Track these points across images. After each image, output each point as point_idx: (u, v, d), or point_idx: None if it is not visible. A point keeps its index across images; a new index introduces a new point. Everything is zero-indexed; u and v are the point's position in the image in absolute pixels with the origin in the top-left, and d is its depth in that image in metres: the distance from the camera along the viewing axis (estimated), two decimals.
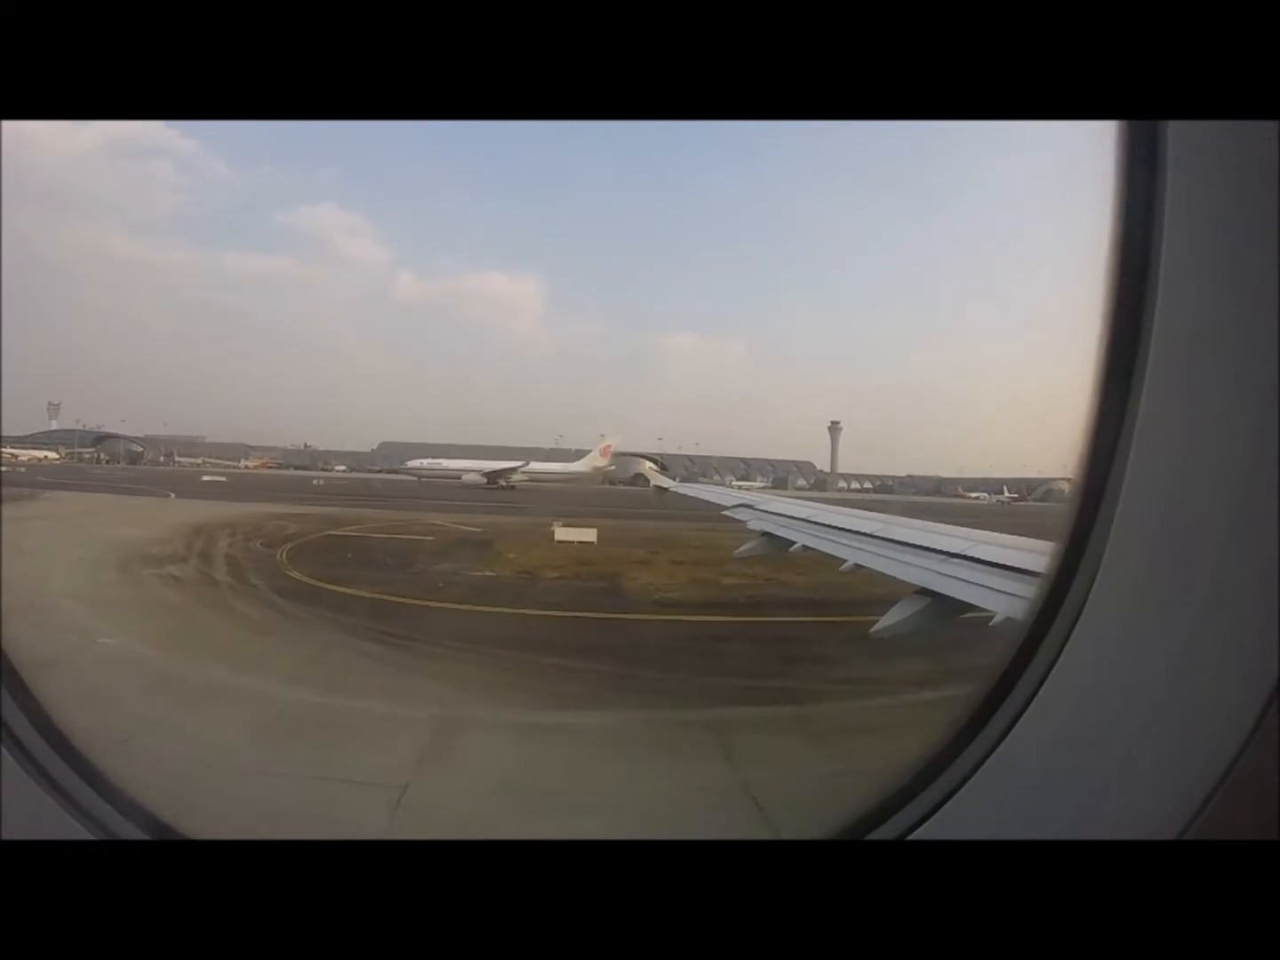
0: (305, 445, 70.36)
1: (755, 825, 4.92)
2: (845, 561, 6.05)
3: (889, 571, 5.19)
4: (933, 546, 5.01)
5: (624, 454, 58.44)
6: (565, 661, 9.09)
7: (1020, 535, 4.79)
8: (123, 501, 27.31)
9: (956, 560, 4.53)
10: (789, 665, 9.29)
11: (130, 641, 9.06)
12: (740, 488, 32.43)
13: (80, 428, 64.34)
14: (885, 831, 1.34)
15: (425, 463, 49.59)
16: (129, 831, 1.41)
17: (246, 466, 62.47)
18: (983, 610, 3.79)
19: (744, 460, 69.88)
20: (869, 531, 6.35)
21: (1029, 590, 3.12)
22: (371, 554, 17.45)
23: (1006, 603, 3.53)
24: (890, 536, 5.90)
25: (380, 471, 57.58)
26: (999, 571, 4.01)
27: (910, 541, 5.42)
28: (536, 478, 48.22)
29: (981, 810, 1.27)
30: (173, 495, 30.97)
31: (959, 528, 5.80)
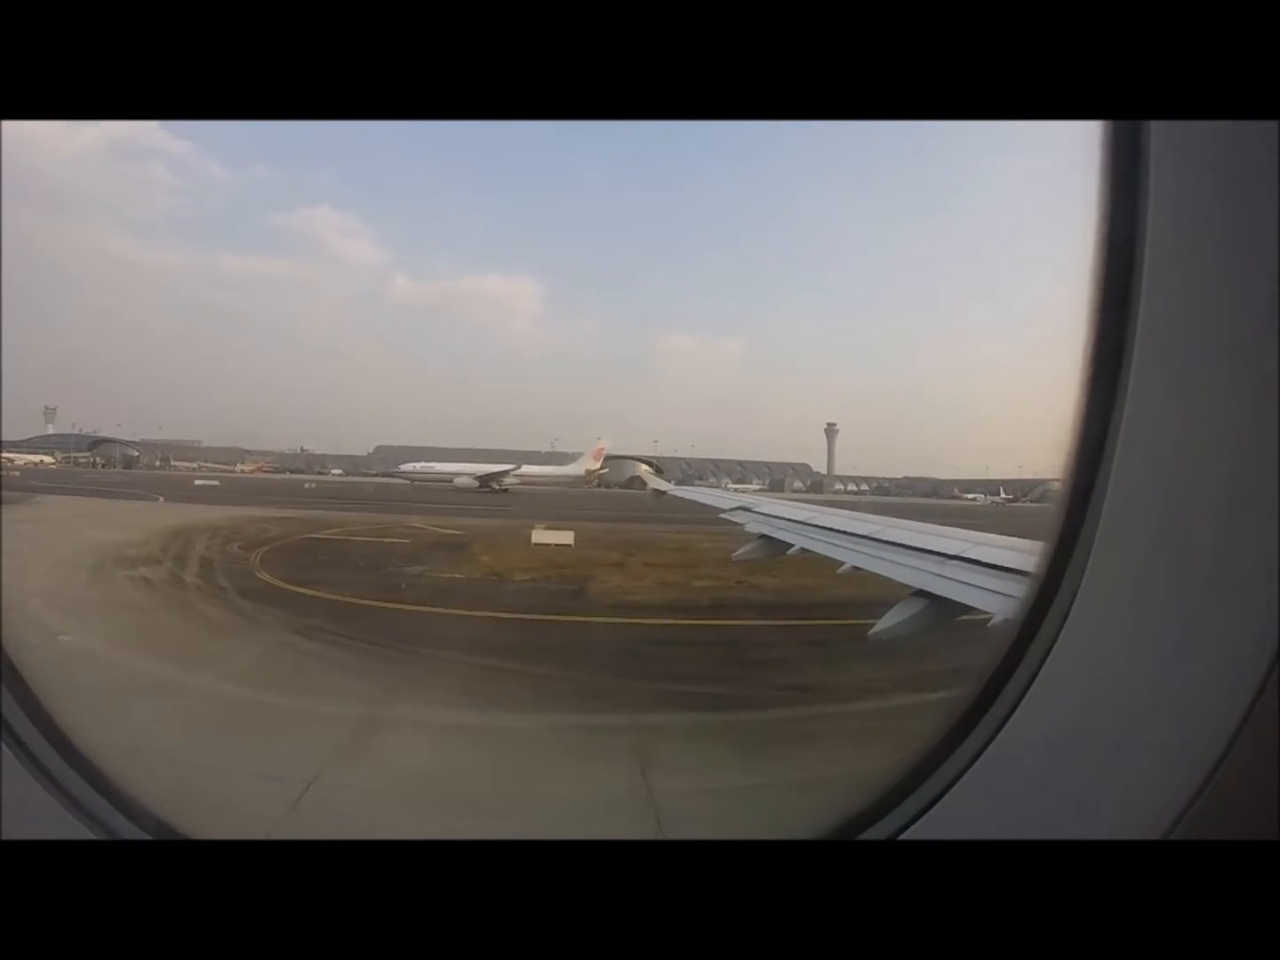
0: (302, 449, 70.39)
1: (647, 830, 4.93)
2: (843, 564, 6.06)
3: (886, 573, 5.19)
4: (930, 548, 5.01)
5: (619, 457, 58.52)
6: (505, 664, 9.14)
7: (1012, 536, 4.81)
8: (111, 505, 27.43)
9: (954, 562, 4.53)
10: (735, 669, 9.29)
11: (88, 638, 9.16)
12: (736, 490, 32.47)
13: (76, 432, 64.26)
14: (877, 831, 1.34)
15: (418, 466, 49.68)
16: (130, 831, 1.41)
17: (242, 471, 62.35)
18: (980, 611, 3.80)
19: (740, 463, 70.00)
20: (866, 534, 6.36)
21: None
22: (345, 557, 17.55)
23: (1004, 604, 3.54)
24: (887, 538, 5.91)
25: (376, 475, 57.50)
26: (996, 573, 4.01)
27: (907, 543, 5.42)
28: (529, 481, 48.30)
29: (972, 810, 1.27)
30: (161, 499, 31.08)
31: (956, 529, 5.82)
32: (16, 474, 40.78)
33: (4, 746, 1.33)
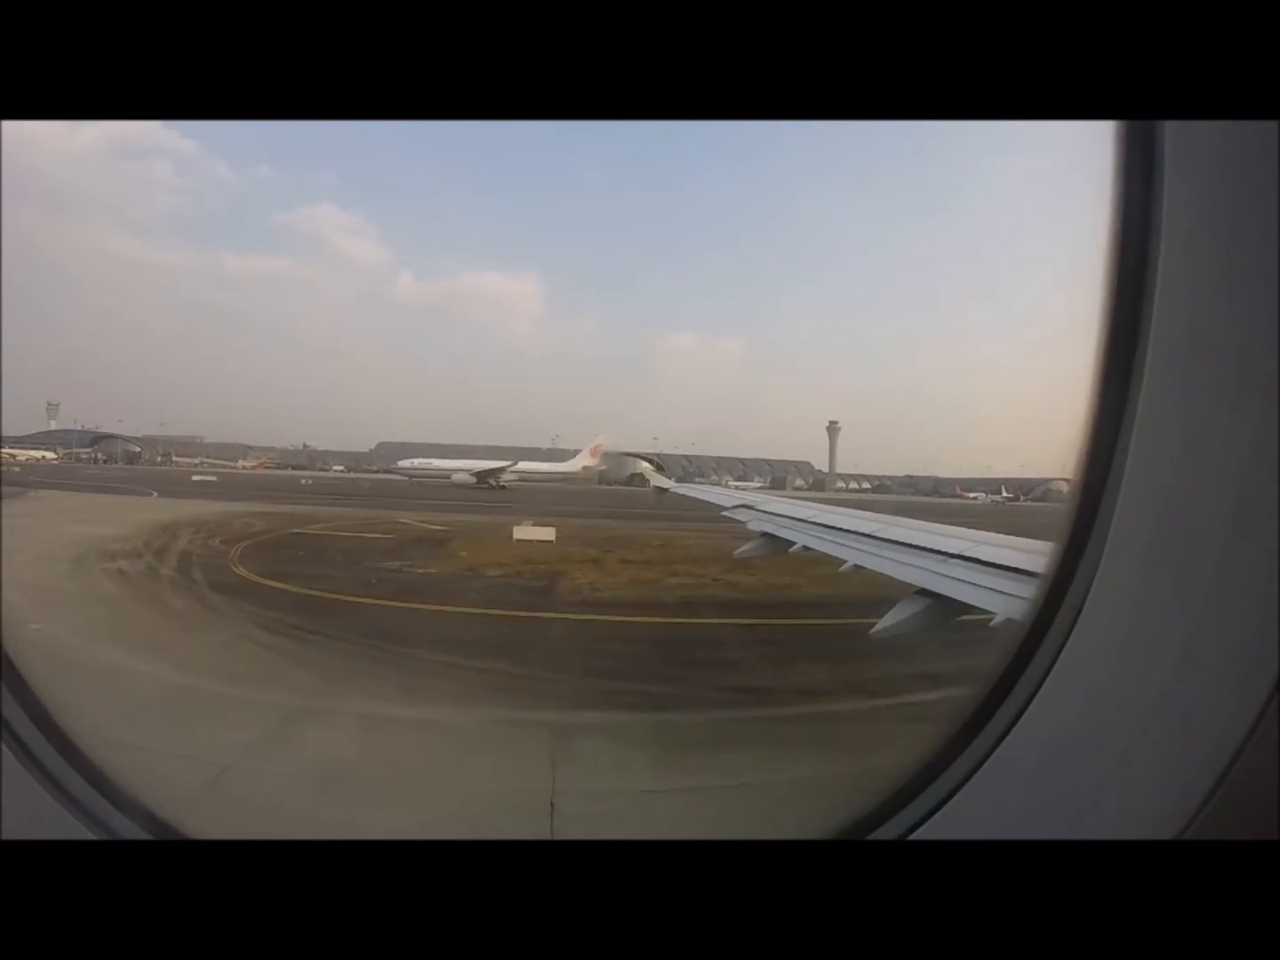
0: (304, 445, 70.50)
1: (539, 824, 4.96)
2: (845, 562, 6.06)
3: (889, 572, 5.18)
4: (932, 547, 5.00)
5: (619, 454, 58.51)
6: (448, 658, 9.18)
7: (1013, 535, 4.81)
8: (105, 500, 27.51)
9: (956, 561, 4.53)
10: (683, 669, 9.25)
11: (58, 628, 9.21)
12: (737, 488, 32.47)
13: (78, 428, 64.41)
14: (886, 831, 1.34)
15: (416, 462, 49.67)
16: (130, 831, 1.41)
17: (244, 467, 62.47)
18: (982, 611, 3.79)
19: (741, 460, 69.96)
20: (868, 532, 6.34)
21: (1028, 591, 3.12)
22: (324, 552, 17.58)
23: (1006, 603, 3.53)
24: (889, 537, 5.89)
25: (377, 472, 57.53)
26: (999, 572, 4.00)
27: (909, 542, 5.41)
28: (526, 477, 48.25)
29: (982, 810, 1.27)
30: (155, 494, 31.21)
31: (958, 528, 5.81)
32: (17, 470, 40.83)
33: (4, 746, 1.33)
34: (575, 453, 54.73)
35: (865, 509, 9.42)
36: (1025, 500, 49.68)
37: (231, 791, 5.23)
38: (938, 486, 63.02)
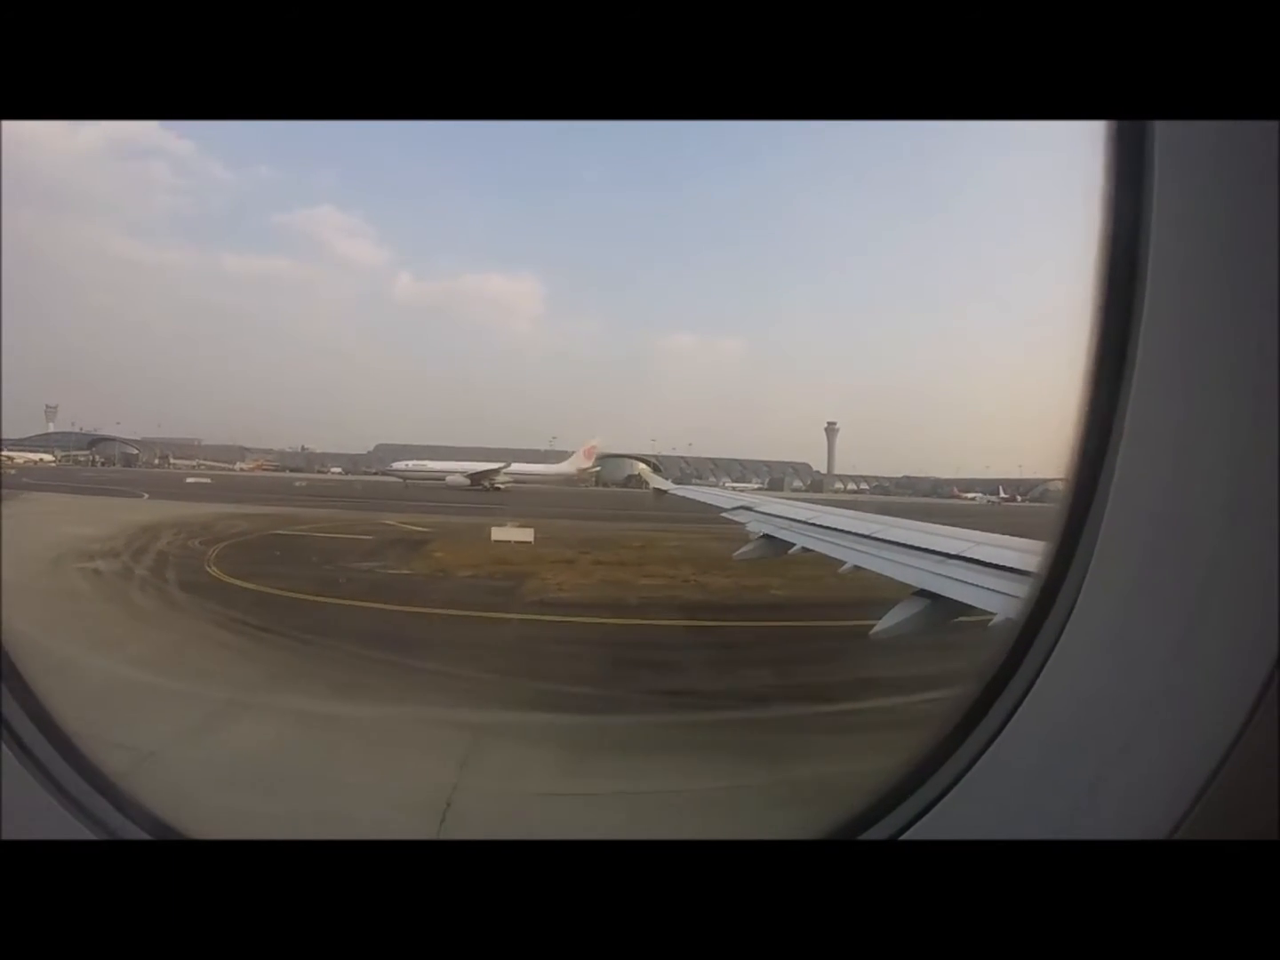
0: (303, 448, 70.15)
1: (423, 819, 4.97)
2: (844, 563, 6.07)
3: (888, 573, 5.20)
4: (930, 548, 5.02)
5: (616, 455, 58.40)
6: (391, 657, 9.22)
7: (1007, 535, 4.82)
8: (95, 502, 27.53)
9: (954, 561, 4.54)
10: (625, 670, 9.20)
11: (21, 624, 9.24)
12: (735, 489, 32.46)
13: (77, 430, 64.21)
14: (878, 831, 1.34)
15: (410, 464, 49.41)
16: (130, 831, 1.41)
17: (242, 469, 62.22)
18: (981, 611, 3.80)
19: (739, 461, 69.85)
20: (867, 533, 6.37)
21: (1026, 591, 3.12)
22: (300, 552, 17.61)
23: (1005, 603, 3.54)
24: (888, 538, 5.92)
25: (375, 474, 57.40)
26: (997, 572, 4.02)
27: (908, 543, 5.43)
28: (520, 479, 48.07)
29: (975, 810, 1.27)
30: (146, 496, 31.13)
31: (957, 529, 5.83)
32: (14, 472, 40.77)
33: (4, 746, 1.33)
34: (567, 454, 54.70)
35: (863, 510, 9.46)
36: (1023, 501, 49.70)
37: (158, 781, 5.24)
38: (935, 487, 62.97)
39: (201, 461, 62.52)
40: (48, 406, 63.30)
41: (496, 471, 47.25)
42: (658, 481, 38.14)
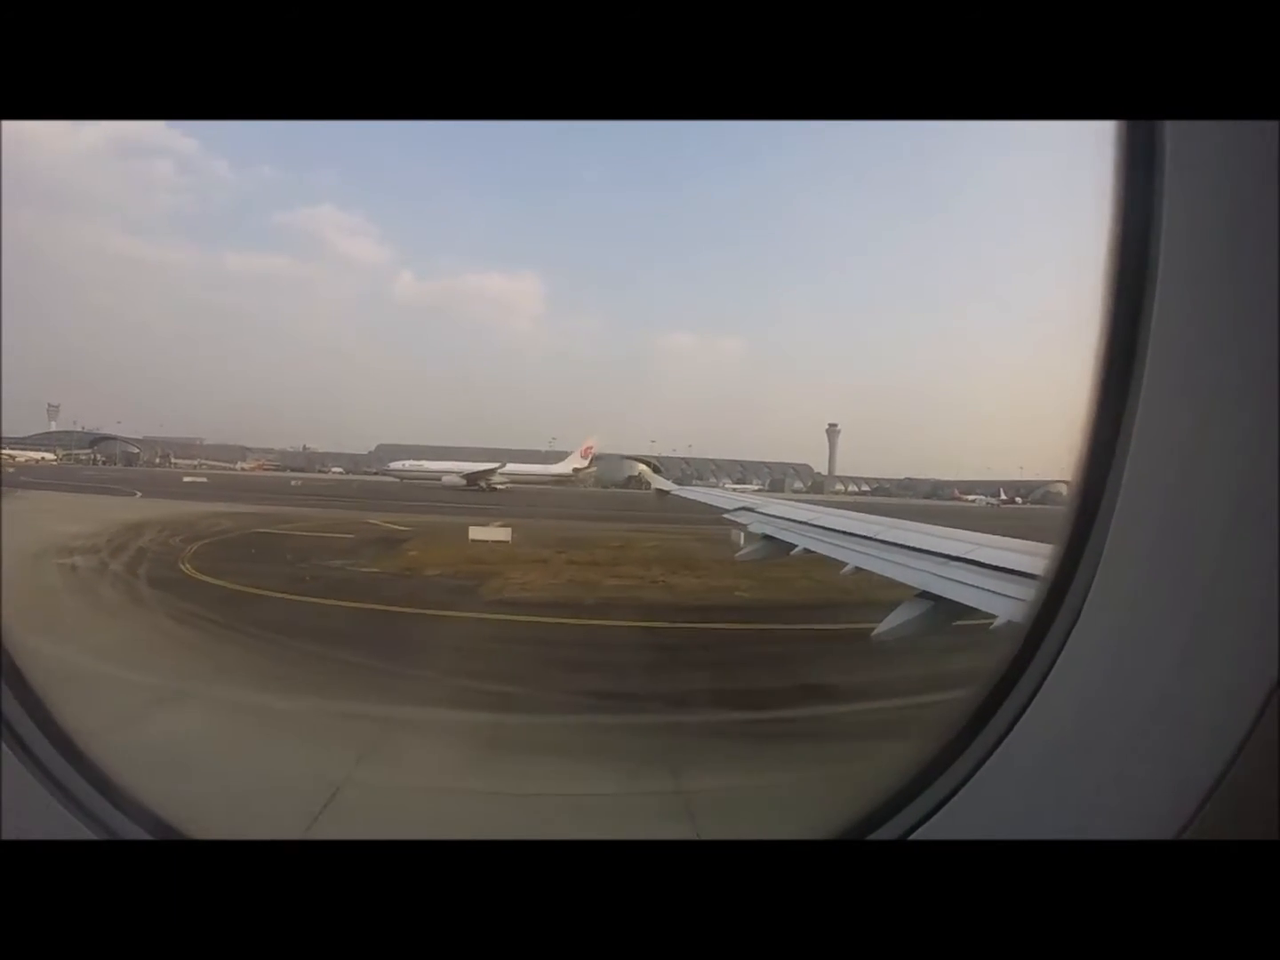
0: (304, 447, 70.16)
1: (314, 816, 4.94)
2: (846, 565, 6.07)
3: (890, 574, 5.20)
4: (932, 549, 5.02)
5: (616, 456, 58.39)
6: (334, 653, 9.30)
7: (1009, 538, 4.81)
8: (88, 500, 27.77)
9: (956, 563, 4.53)
10: (559, 670, 9.16)
11: None
12: (736, 490, 32.48)
13: (78, 429, 64.33)
14: (887, 831, 1.34)
15: (407, 464, 49.44)
16: (131, 831, 1.41)
17: (242, 469, 62.26)
18: (984, 614, 3.79)
19: (740, 463, 69.82)
20: (869, 534, 6.37)
21: (1029, 594, 3.12)
22: (276, 551, 17.77)
23: (1007, 606, 3.54)
24: (890, 539, 5.92)
25: (374, 474, 57.40)
26: (1000, 575, 4.01)
27: (910, 544, 5.43)
28: (516, 479, 48.05)
29: (982, 810, 1.27)
30: (138, 495, 31.38)
31: (959, 530, 5.82)
32: (14, 470, 40.87)
33: (4, 746, 1.33)
34: (564, 454, 54.67)
35: (864, 511, 9.46)
36: (1023, 503, 49.70)
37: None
38: (936, 489, 62.94)
39: (203, 461, 62.60)
40: (50, 405, 63.55)
41: (492, 472, 47.24)
42: (660, 482, 38.19)
